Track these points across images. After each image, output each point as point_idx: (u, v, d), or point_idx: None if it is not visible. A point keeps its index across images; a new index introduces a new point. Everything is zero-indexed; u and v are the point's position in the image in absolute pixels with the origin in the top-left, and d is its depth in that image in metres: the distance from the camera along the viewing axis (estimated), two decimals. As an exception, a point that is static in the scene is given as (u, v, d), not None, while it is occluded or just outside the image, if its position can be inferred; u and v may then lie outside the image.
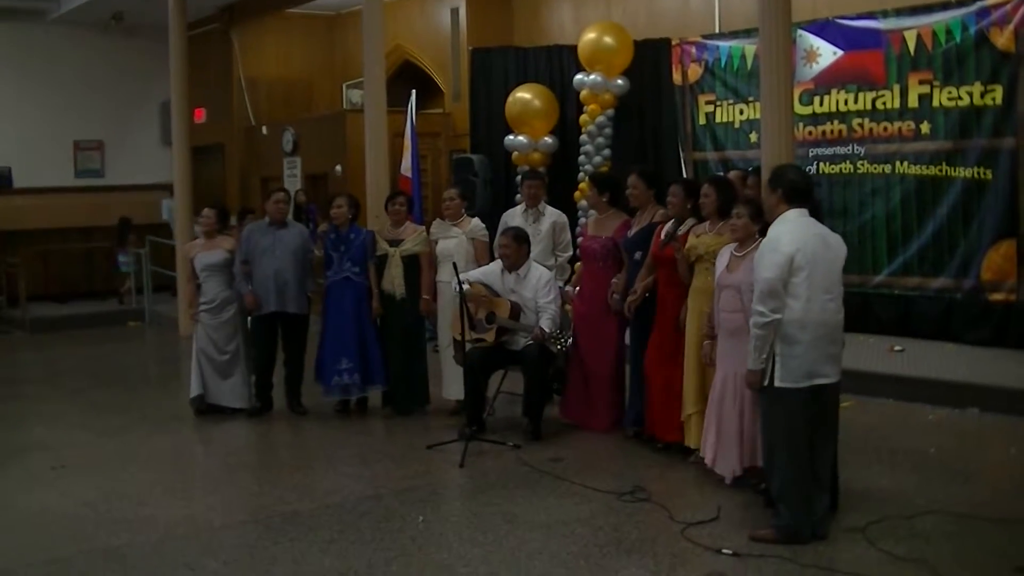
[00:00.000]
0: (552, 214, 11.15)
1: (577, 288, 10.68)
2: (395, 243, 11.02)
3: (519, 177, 16.69)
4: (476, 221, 11.24)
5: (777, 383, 6.93)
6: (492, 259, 10.71)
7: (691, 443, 8.94)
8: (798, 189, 7.14)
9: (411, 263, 11.01)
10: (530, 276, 10.14)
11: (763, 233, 7.90)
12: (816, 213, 7.49)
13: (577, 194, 15.59)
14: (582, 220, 14.94)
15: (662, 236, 9.21)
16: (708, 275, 8.63)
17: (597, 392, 10.16)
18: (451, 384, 10.92)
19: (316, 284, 11.55)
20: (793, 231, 6.96)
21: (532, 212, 11.17)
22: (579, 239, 10.63)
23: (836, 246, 7.16)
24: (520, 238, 10.27)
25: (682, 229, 9.07)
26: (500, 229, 10.94)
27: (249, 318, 11.53)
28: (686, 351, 8.92)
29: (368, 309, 11.13)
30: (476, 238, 11.01)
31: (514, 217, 11.34)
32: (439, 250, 11.01)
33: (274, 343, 11.51)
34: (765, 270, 6.88)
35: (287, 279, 11.21)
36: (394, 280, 10.98)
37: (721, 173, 13.10)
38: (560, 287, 10.60)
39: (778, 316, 6.82)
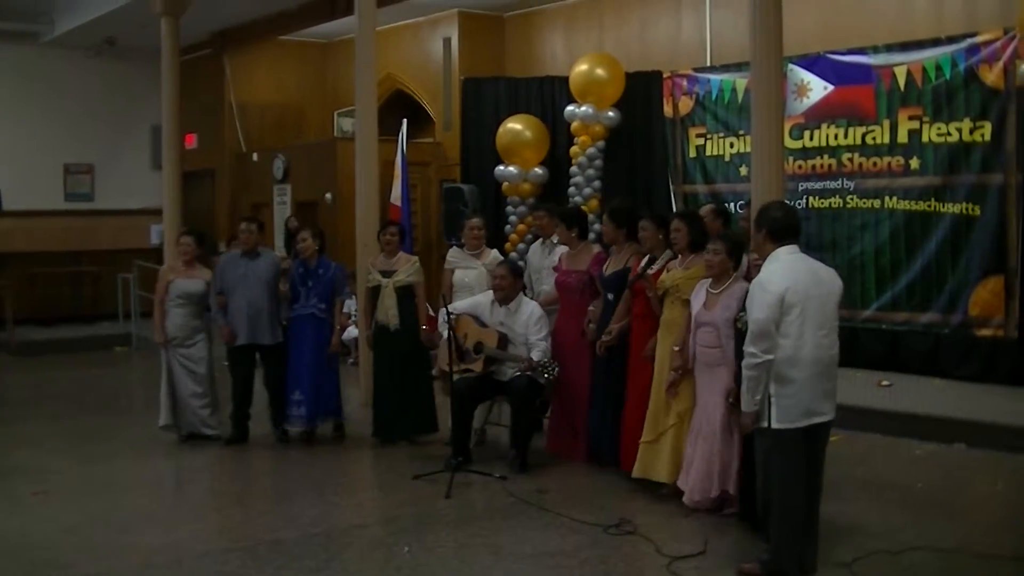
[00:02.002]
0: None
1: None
2: (388, 274, 11.00)
3: (508, 207, 16.77)
4: (495, 253, 11.31)
5: (774, 425, 6.85)
6: None
7: (636, 471, 9.02)
8: (781, 226, 7.06)
9: (406, 293, 10.99)
10: (521, 311, 10.11)
11: (736, 267, 8.01)
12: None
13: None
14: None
15: (638, 272, 9.25)
16: (676, 308, 8.75)
17: (576, 423, 10.14)
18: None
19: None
20: (783, 269, 6.90)
21: (548, 244, 11.07)
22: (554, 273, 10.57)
23: (829, 281, 7.08)
24: (516, 272, 10.30)
25: (656, 265, 9.15)
26: (527, 265, 11.13)
27: (226, 349, 11.50)
28: (654, 382, 8.98)
29: (327, 344, 11.17)
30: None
31: (535, 251, 11.35)
32: (456, 280, 11.07)
33: (250, 374, 11.46)
34: (756, 311, 6.82)
35: (260, 309, 11.19)
36: (388, 311, 10.95)
37: (711, 205, 13.14)
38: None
39: (770, 357, 6.75)
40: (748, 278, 7.85)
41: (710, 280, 8.31)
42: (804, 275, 6.93)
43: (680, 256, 8.92)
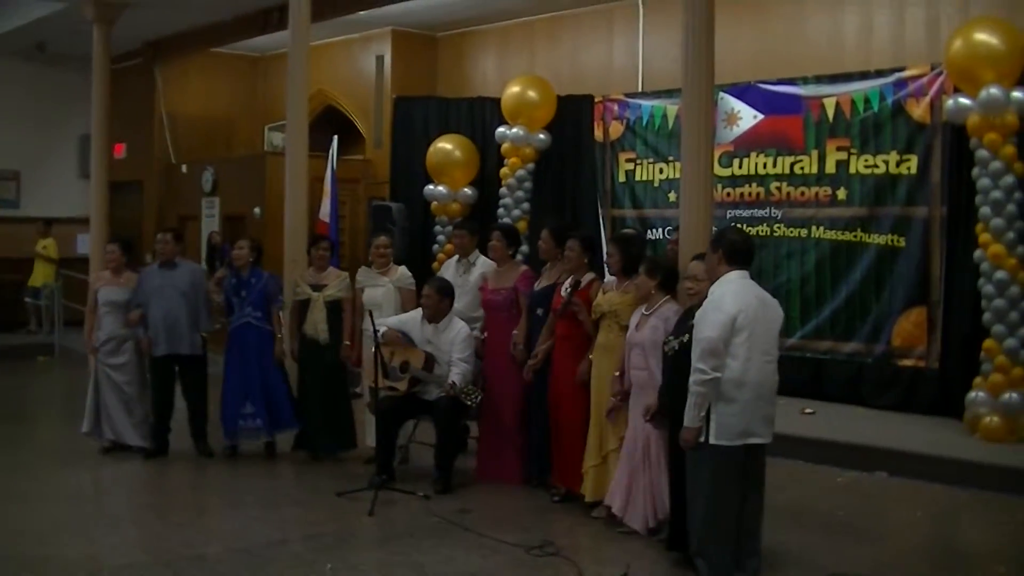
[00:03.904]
0: (482, 265, 10.88)
1: (485, 335, 10.64)
2: (318, 288, 11.00)
3: (437, 227, 16.78)
4: (403, 270, 11.26)
5: (712, 440, 6.96)
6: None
7: (588, 495, 9.02)
8: (738, 250, 7.23)
9: (334, 308, 10.98)
10: (449, 330, 10.10)
11: (663, 288, 8.09)
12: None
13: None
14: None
15: (562, 293, 9.32)
16: (612, 332, 8.82)
17: (506, 443, 10.16)
18: (371, 431, 10.81)
19: (216, 324, 11.44)
20: (736, 292, 7.05)
21: (463, 263, 11.05)
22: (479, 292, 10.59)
23: (774, 308, 7.30)
24: (443, 291, 10.23)
25: (581, 284, 9.20)
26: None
27: (147, 361, 11.39)
28: (593, 404, 9.01)
29: (271, 354, 11.10)
30: (403, 287, 11.01)
31: (448, 268, 11.32)
32: (365, 299, 11.01)
33: (170, 386, 11.35)
34: (708, 329, 6.93)
35: (177, 319, 11.10)
36: (317, 325, 10.95)
37: (629, 230, 13.24)
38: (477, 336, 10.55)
39: (718, 375, 6.87)
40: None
41: (645, 304, 8.39)
42: (753, 300, 7.09)
43: (616, 280, 8.98)
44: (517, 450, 10.10)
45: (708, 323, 6.98)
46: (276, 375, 11.16)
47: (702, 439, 6.99)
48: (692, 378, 6.97)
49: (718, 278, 7.21)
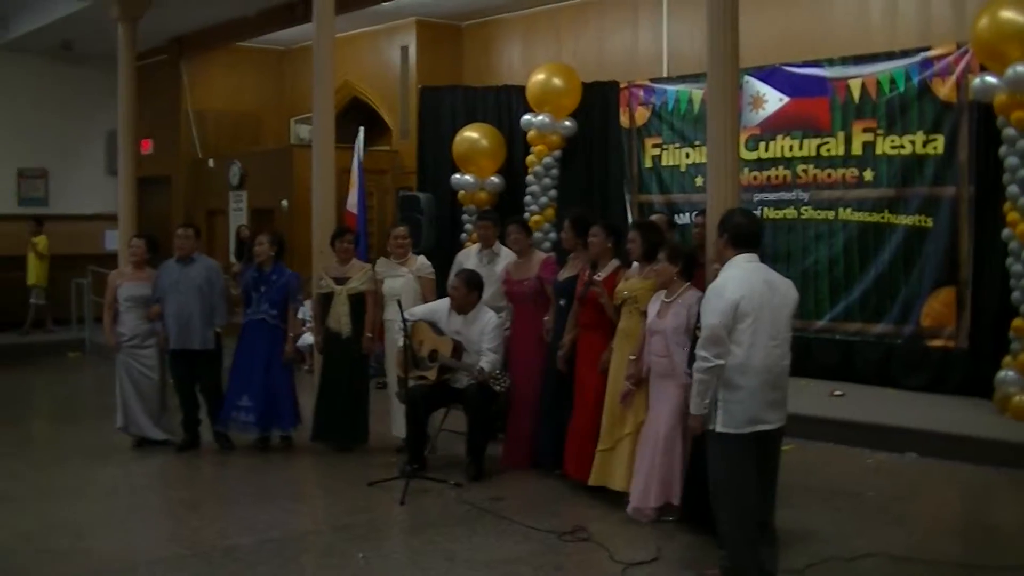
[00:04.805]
0: (507, 256, 10.84)
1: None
2: (341, 281, 10.98)
3: (464, 216, 16.80)
4: (422, 259, 11.21)
5: (719, 428, 6.86)
6: (439, 297, 10.70)
7: (592, 480, 9.03)
8: (743, 233, 7.06)
9: (358, 301, 10.97)
10: (478, 320, 10.11)
11: (684, 275, 8.09)
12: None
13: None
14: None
15: (585, 280, 9.33)
16: (633, 318, 8.82)
17: (523, 431, 10.18)
18: (399, 421, 10.83)
19: (231, 317, 11.52)
20: (740, 277, 6.89)
21: (487, 253, 11.04)
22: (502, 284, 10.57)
23: (785, 292, 7.04)
24: (472, 283, 10.22)
25: (604, 272, 9.22)
26: (454, 270, 10.93)
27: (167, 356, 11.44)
28: (607, 390, 9.02)
29: (280, 352, 11.15)
30: (423, 276, 10.99)
31: (468, 258, 11.29)
32: (385, 289, 10.96)
33: (190, 379, 11.38)
34: (709, 316, 6.84)
35: (190, 314, 11.12)
36: (340, 318, 10.93)
37: (658, 215, 13.20)
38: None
39: (721, 362, 6.74)
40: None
41: (665, 291, 8.38)
42: (759, 285, 6.89)
43: (639, 266, 8.97)
44: (531, 437, 10.12)
45: (709, 310, 6.86)
46: (283, 374, 11.19)
47: (710, 427, 6.94)
48: (695, 365, 6.88)
49: (725, 262, 7.14)
